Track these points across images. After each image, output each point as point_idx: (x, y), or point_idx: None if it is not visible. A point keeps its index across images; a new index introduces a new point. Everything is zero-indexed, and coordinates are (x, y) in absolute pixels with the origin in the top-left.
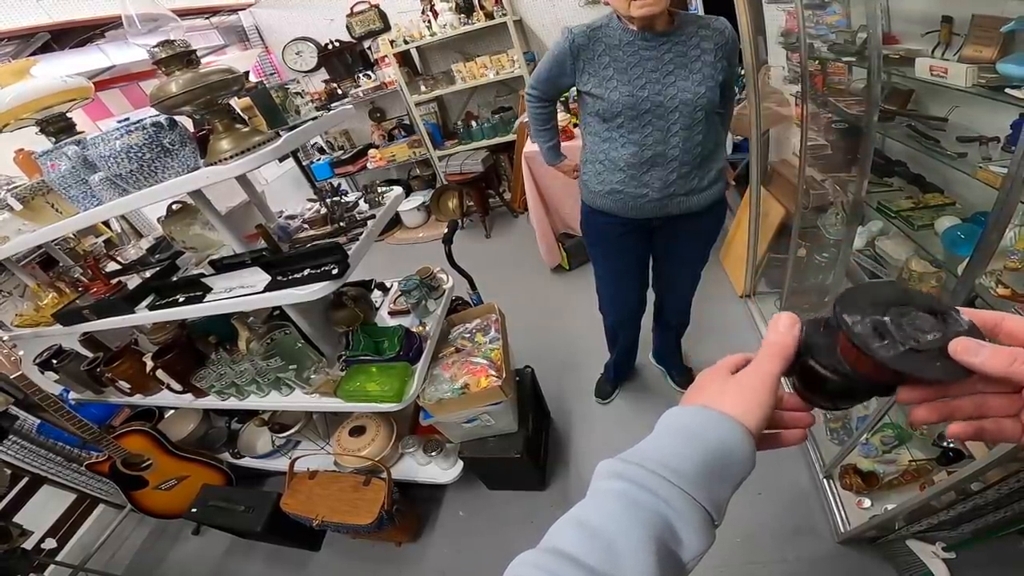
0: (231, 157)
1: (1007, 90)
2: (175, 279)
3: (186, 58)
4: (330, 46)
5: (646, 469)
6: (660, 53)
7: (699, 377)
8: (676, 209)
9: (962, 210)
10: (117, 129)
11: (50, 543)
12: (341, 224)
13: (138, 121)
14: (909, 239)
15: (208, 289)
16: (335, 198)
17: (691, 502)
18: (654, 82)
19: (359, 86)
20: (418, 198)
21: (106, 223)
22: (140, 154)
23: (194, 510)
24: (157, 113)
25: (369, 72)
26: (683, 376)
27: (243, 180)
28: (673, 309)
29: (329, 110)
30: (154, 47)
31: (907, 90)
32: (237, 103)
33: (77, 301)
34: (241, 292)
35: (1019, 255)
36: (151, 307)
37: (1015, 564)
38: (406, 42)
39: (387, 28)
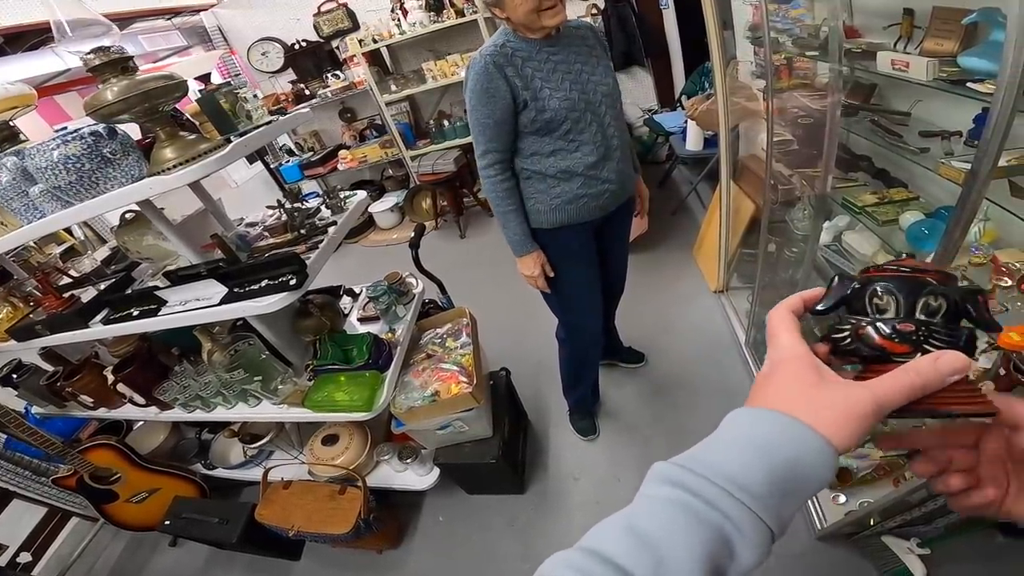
0: (175, 166)
1: (968, 84)
2: (129, 292)
3: (121, 65)
4: (297, 46)
5: (712, 483)
6: (565, 56)
7: (775, 361)
8: (629, 192)
9: (926, 205)
10: (54, 139)
11: (25, 557)
12: (301, 232)
13: (75, 130)
14: (875, 234)
15: (163, 302)
16: (295, 204)
17: (756, 521)
18: (574, 82)
19: (328, 86)
20: (392, 199)
21: (68, 230)
22: (79, 164)
23: (167, 523)
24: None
25: (338, 72)
26: (631, 355)
27: (197, 188)
28: (618, 286)
29: (285, 113)
30: (87, 54)
31: (870, 84)
32: (188, 109)
33: (31, 316)
34: (197, 305)
35: (983, 250)
36: (105, 321)
37: (991, 559)
38: (375, 41)
39: (356, 27)
